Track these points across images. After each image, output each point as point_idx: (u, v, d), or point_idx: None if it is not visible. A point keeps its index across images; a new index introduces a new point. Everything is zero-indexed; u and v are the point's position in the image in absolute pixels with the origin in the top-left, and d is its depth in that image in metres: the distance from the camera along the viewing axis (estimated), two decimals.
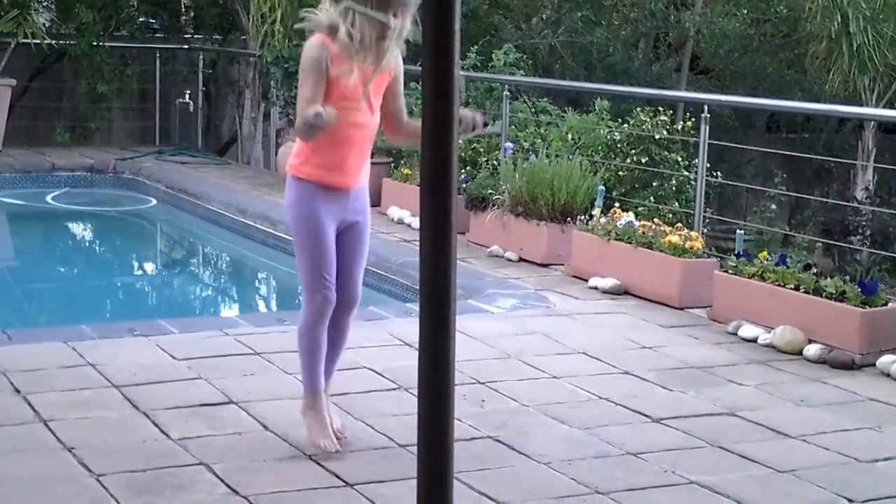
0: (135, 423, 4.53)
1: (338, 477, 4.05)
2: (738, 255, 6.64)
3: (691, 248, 6.86)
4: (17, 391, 4.82)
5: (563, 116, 10.18)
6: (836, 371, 5.67)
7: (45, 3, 13.62)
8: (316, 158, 4.16)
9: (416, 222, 8.61)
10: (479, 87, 10.69)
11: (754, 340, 6.11)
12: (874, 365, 5.69)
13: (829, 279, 6.10)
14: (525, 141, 9.50)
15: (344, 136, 4.12)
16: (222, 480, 3.99)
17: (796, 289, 6.10)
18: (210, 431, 4.46)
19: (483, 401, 4.96)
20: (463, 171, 9.02)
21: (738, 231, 7.31)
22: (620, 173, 9.30)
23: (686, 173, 9.18)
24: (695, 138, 8.42)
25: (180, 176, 11.67)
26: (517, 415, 4.82)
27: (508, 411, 4.86)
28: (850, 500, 4.07)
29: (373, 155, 4.65)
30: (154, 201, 11.48)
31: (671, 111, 9.60)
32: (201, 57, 14.59)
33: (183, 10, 15.45)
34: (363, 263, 4.36)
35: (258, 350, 5.55)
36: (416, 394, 1.95)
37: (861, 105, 13.57)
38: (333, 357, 4.39)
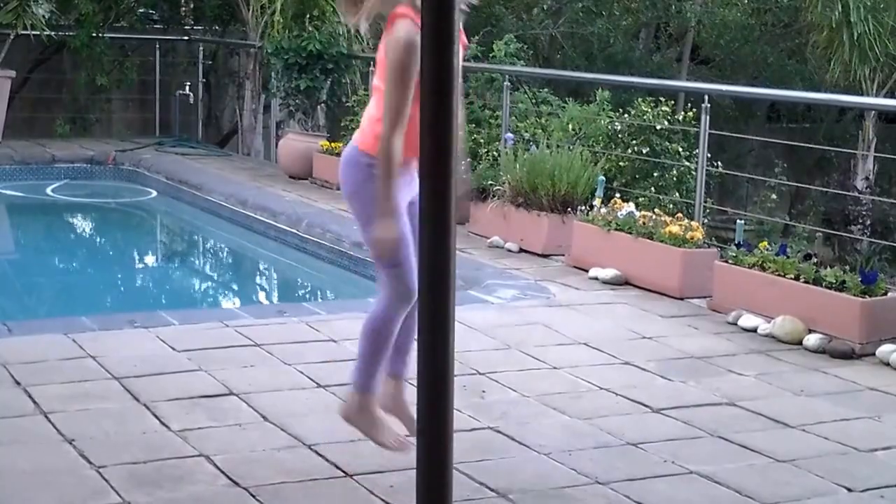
0: (135, 414, 4.53)
1: (337, 467, 4.05)
2: (738, 245, 6.64)
3: (692, 238, 6.86)
4: (18, 383, 4.83)
5: (563, 107, 10.16)
6: (835, 361, 5.67)
7: None
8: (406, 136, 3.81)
9: None
10: (479, 78, 10.68)
11: (754, 330, 6.11)
12: (874, 354, 5.70)
13: (829, 269, 6.10)
14: (526, 131, 9.49)
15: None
16: (223, 472, 3.99)
17: (796, 279, 6.10)
18: (210, 423, 4.46)
19: (483, 391, 4.97)
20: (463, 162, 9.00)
21: (738, 221, 7.31)
22: (621, 164, 9.30)
23: (687, 163, 9.17)
24: (695, 128, 8.41)
25: (180, 167, 11.67)
26: (517, 405, 4.82)
27: (508, 402, 4.86)
28: (849, 490, 4.07)
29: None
30: (154, 193, 11.48)
31: (672, 101, 9.59)
32: (201, 48, 14.58)
33: (182, 1, 15.44)
34: None
35: (258, 342, 5.55)
36: (415, 384, 1.96)
37: (862, 94, 13.56)
38: (412, 343, 4.08)
